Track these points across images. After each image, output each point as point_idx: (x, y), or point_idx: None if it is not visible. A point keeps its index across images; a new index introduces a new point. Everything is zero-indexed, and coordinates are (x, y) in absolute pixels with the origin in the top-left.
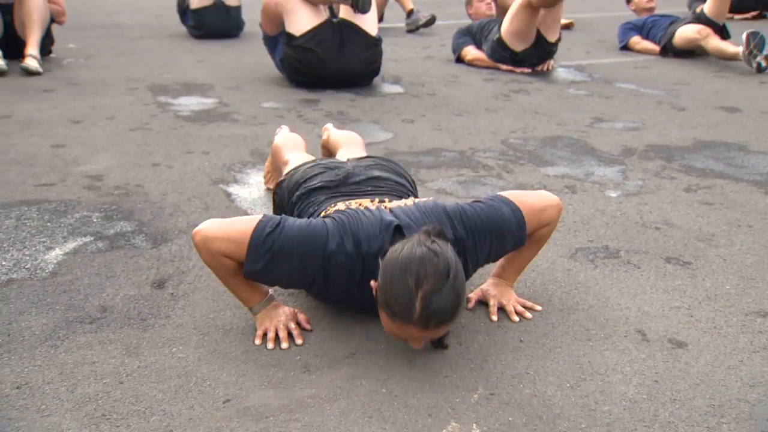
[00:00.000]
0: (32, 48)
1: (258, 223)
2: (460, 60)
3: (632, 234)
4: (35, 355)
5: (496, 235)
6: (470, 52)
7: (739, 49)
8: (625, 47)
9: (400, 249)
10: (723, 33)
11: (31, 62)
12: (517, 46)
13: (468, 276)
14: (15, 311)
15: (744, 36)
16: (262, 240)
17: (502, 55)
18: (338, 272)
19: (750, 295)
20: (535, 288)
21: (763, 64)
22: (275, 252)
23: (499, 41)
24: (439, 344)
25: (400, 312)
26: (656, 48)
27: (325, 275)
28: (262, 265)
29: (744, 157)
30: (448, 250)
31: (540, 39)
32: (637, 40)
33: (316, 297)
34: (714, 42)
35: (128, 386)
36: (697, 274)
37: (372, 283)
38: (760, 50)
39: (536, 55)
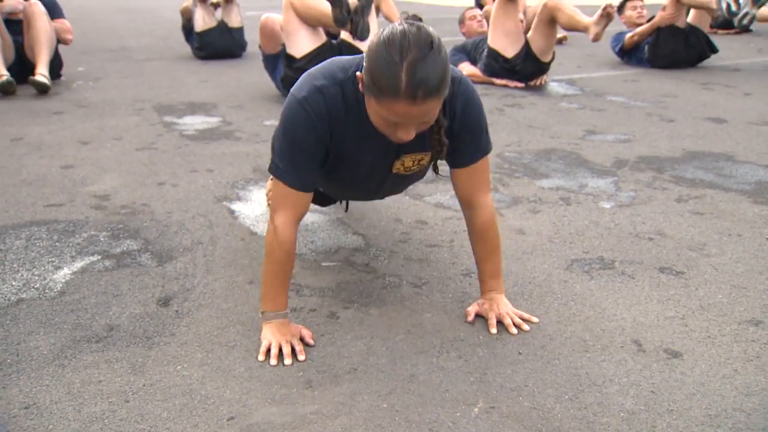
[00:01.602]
0: (42, 68)
1: (275, 176)
2: None
3: (626, 245)
4: (43, 375)
5: (474, 122)
6: (465, 68)
7: None
8: (622, 48)
9: (381, 31)
10: (710, 46)
11: (40, 78)
12: (508, 51)
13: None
14: (24, 331)
15: None
16: (273, 158)
17: (494, 67)
18: (327, 111)
19: (742, 304)
20: (533, 300)
21: (746, 21)
22: (280, 150)
23: (490, 51)
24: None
25: (386, 87)
26: (650, 25)
27: (319, 121)
28: (284, 165)
29: (732, 167)
30: (429, 27)
31: (531, 55)
32: (629, 36)
33: (338, 183)
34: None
35: (134, 405)
36: (690, 284)
37: (357, 74)
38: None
39: (529, 68)
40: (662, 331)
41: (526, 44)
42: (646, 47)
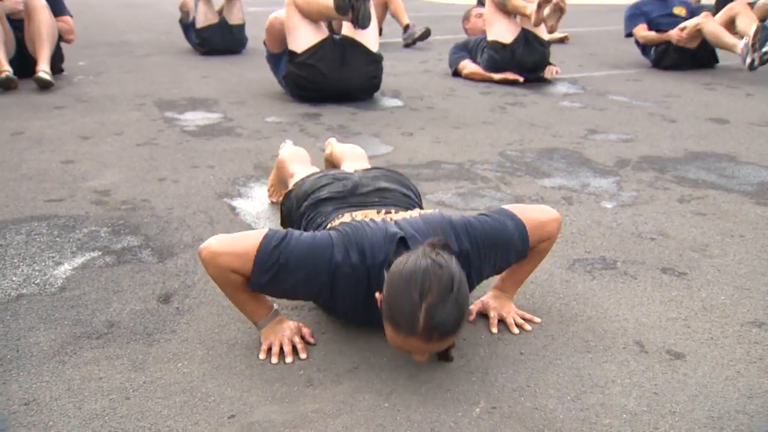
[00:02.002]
0: (43, 64)
1: (264, 237)
2: (457, 74)
3: (628, 245)
4: (43, 371)
5: (500, 249)
6: (467, 66)
7: (739, 42)
8: (630, 35)
9: (405, 261)
10: (712, 57)
11: (43, 75)
12: (506, 37)
13: (471, 288)
14: (24, 327)
15: (754, 27)
16: (269, 253)
17: (496, 59)
18: (344, 284)
19: (745, 306)
20: (535, 300)
21: (757, 62)
22: (281, 265)
23: (489, 44)
24: (443, 357)
25: (403, 324)
26: (660, 37)
27: (331, 287)
28: (268, 277)
29: (734, 168)
30: (452, 263)
31: (531, 35)
32: (642, 28)
33: (324, 309)
34: (713, 26)
35: (134, 402)
36: (693, 285)
37: (377, 295)
38: (761, 47)
39: (532, 54)
40: (665, 332)
41: (523, 29)
42: (653, 50)
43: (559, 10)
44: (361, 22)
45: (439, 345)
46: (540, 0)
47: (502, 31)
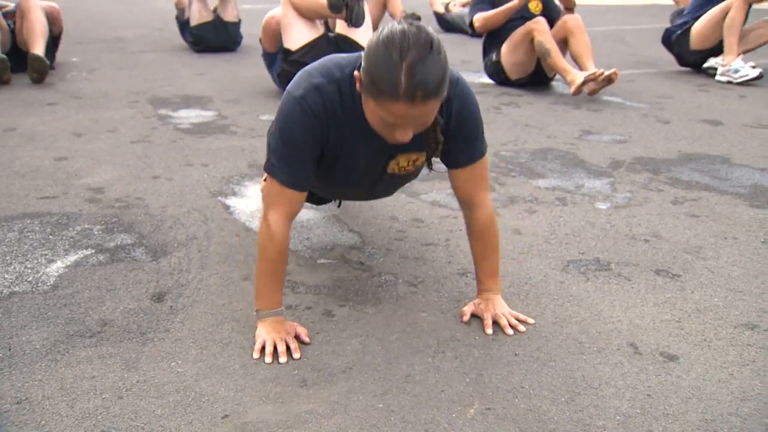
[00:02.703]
0: (39, 50)
1: (267, 173)
2: (473, 30)
3: (622, 246)
4: (35, 369)
5: (472, 125)
6: (481, 17)
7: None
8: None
9: (380, 31)
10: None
11: (39, 54)
12: (513, 75)
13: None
14: (16, 325)
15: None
16: (269, 157)
17: (493, 74)
18: (322, 109)
19: (738, 308)
20: (529, 301)
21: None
22: (276, 150)
23: (497, 64)
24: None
25: (385, 87)
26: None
27: (317, 119)
28: (288, 170)
29: (728, 170)
30: (428, 28)
31: (540, 70)
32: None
33: (335, 182)
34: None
35: (127, 401)
36: (686, 287)
37: (355, 73)
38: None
39: (531, 81)
40: (658, 334)
41: (535, 68)
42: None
43: (608, 81)
44: (354, 21)
45: (423, 108)
46: (588, 77)
47: (516, 69)
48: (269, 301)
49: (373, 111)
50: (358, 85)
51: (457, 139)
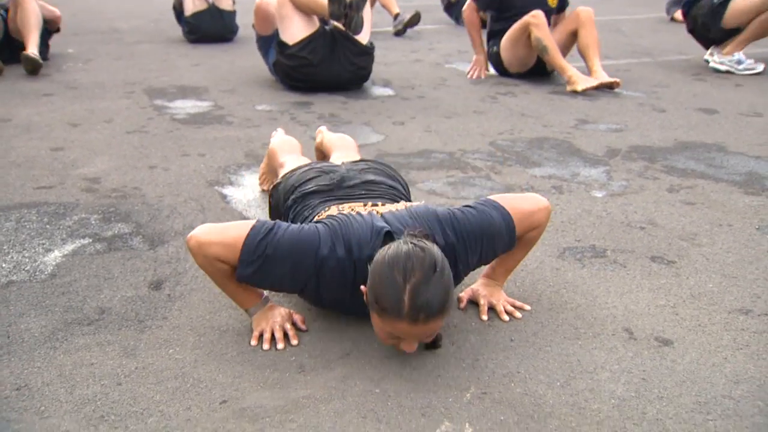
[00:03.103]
0: (32, 47)
1: (251, 228)
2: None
3: (618, 233)
4: (34, 357)
5: (486, 240)
6: (468, 11)
7: None
8: (672, 19)
9: (386, 249)
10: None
11: (32, 54)
12: (513, 68)
13: (458, 281)
14: (15, 313)
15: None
16: (255, 245)
17: (495, 63)
18: (330, 277)
19: (732, 294)
20: (525, 287)
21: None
22: (268, 256)
23: (497, 56)
24: (431, 346)
25: (389, 308)
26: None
27: (317, 280)
28: (254, 269)
29: (723, 158)
30: (433, 248)
31: (540, 65)
32: (680, 15)
33: (309, 302)
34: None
35: (126, 387)
36: (681, 273)
37: (362, 288)
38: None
39: (531, 73)
40: (653, 320)
41: (535, 63)
42: None
43: (609, 87)
44: (353, 29)
45: (426, 328)
46: (589, 88)
47: (516, 64)
48: (249, 300)
49: (378, 325)
50: (365, 297)
51: (482, 251)
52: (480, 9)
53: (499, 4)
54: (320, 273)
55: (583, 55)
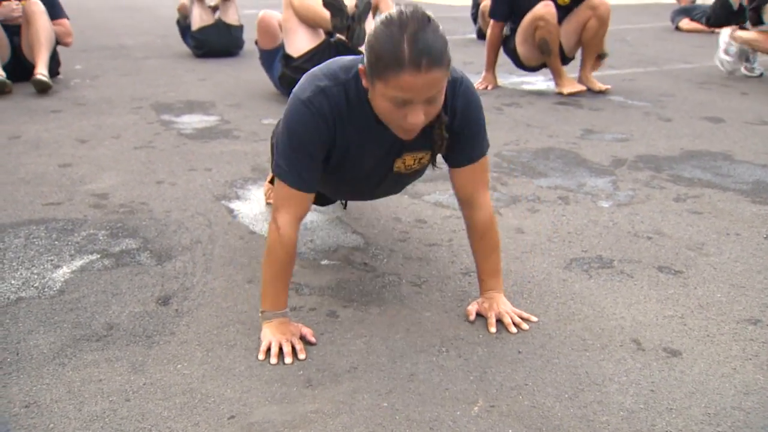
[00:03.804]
0: (42, 67)
1: (277, 175)
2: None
3: (625, 244)
4: (43, 373)
5: (476, 123)
6: (491, 27)
7: None
8: (677, 29)
9: (377, 18)
10: None
11: (41, 77)
12: (530, 63)
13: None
14: (24, 330)
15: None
16: (277, 158)
17: (512, 56)
18: (330, 110)
19: (741, 303)
20: (532, 299)
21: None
22: (282, 151)
23: (514, 51)
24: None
25: (390, 60)
26: (703, 26)
27: (324, 122)
28: (285, 166)
29: (729, 167)
30: (424, 9)
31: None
32: (686, 22)
33: (347, 164)
34: None
35: (134, 404)
36: (689, 283)
37: (359, 67)
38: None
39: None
40: (661, 330)
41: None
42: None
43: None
44: (355, 42)
45: (430, 77)
46: (576, 92)
47: (530, 58)
48: (275, 303)
49: (381, 95)
50: (363, 80)
51: (459, 138)
52: (502, 21)
53: (515, 10)
54: (315, 116)
55: (584, 52)
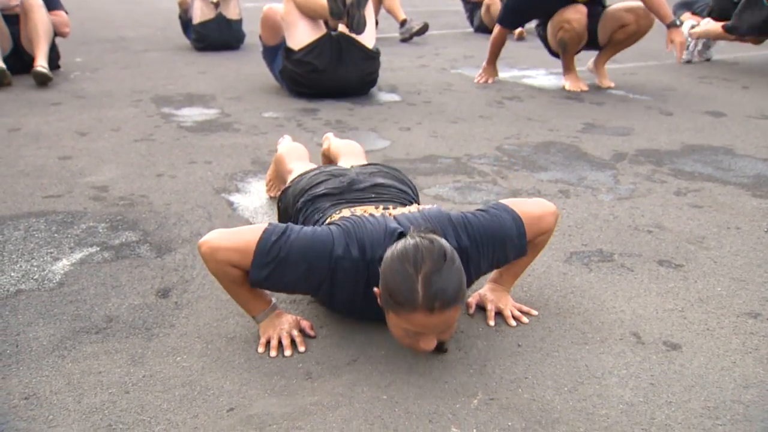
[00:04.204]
0: (41, 59)
1: (264, 232)
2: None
3: (625, 237)
4: (42, 365)
5: (498, 244)
6: (496, 31)
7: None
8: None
9: (394, 246)
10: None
11: (41, 69)
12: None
13: (470, 284)
14: (23, 322)
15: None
16: (269, 248)
17: (544, 42)
18: (344, 278)
19: (741, 297)
20: (532, 292)
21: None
22: (281, 259)
23: (545, 39)
24: (438, 350)
25: (403, 300)
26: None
27: (331, 282)
28: (268, 272)
29: (731, 161)
30: (441, 240)
31: (592, 40)
32: (687, 16)
33: (322, 303)
34: None
35: (134, 396)
36: (689, 277)
37: (375, 290)
38: None
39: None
40: (661, 324)
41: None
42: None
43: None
44: (355, 27)
45: (443, 317)
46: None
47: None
48: (258, 306)
49: (395, 324)
50: (378, 299)
51: (494, 259)
52: (507, 29)
53: (528, 18)
54: (334, 274)
55: (610, 44)
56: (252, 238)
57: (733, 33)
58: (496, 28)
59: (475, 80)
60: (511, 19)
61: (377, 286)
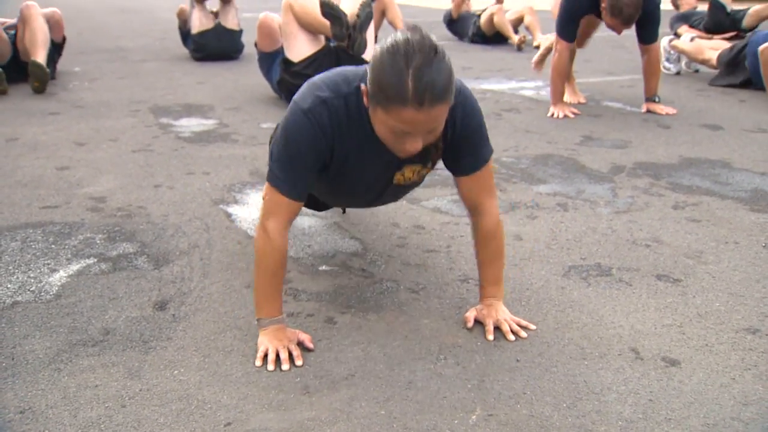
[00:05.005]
0: (39, 58)
1: (267, 181)
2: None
3: (623, 251)
4: (38, 379)
5: (478, 133)
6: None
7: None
8: (676, 35)
9: (383, 41)
10: None
11: (39, 60)
12: (578, 45)
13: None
14: (19, 334)
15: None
16: (275, 177)
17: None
18: (328, 122)
19: (739, 312)
20: (530, 307)
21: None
22: (286, 165)
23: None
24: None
25: (393, 94)
26: (702, 33)
27: (322, 132)
28: (290, 183)
29: (728, 174)
30: (432, 35)
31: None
32: (685, 29)
33: (344, 178)
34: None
35: (130, 410)
36: (688, 292)
37: (362, 87)
38: None
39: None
40: (660, 339)
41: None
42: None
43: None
44: (356, 51)
45: (431, 113)
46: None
47: None
48: (270, 310)
49: (382, 122)
50: (365, 98)
51: (461, 147)
52: (570, 42)
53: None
54: (323, 128)
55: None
56: (268, 195)
57: (713, 84)
58: (559, 49)
59: (555, 116)
60: (570, 28)
61: (364, 84)
